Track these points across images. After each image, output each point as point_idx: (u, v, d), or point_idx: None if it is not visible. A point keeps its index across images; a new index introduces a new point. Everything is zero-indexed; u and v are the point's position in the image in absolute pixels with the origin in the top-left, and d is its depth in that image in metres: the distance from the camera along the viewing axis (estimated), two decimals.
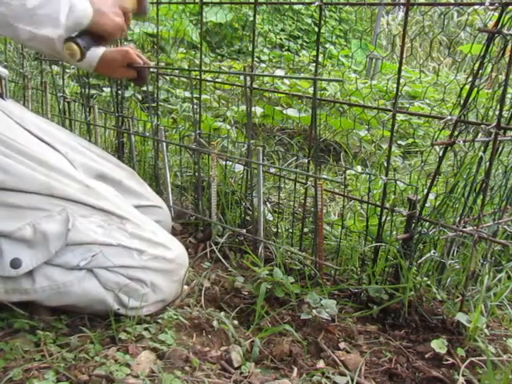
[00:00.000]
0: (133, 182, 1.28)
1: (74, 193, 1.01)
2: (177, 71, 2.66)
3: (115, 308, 1.01)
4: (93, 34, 1.08)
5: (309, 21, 7.18)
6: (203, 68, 1.50)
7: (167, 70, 2.64)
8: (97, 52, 1.37)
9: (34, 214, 0.96)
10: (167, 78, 3.19)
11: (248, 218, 1.48)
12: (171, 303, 1.10)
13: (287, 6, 6.46)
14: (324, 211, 1.16)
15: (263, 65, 4.17)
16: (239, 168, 1.61)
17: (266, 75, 1.96)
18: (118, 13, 1.10)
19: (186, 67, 3.47)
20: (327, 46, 6.57)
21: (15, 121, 1.06)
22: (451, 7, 1.19)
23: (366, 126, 2.56)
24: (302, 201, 1.37)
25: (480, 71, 0.95)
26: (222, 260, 1.35)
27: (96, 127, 1.78)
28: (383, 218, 1.13)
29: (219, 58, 5.25)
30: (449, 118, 0.99)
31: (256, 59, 4.73)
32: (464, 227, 1.03)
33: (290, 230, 1.39)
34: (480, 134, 1.01)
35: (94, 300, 1.00)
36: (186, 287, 1.16)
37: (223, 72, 1.56)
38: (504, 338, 1.00)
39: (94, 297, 0.99)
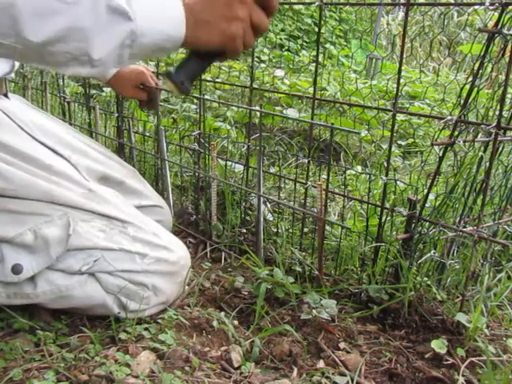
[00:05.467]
0: (134, 181, 1.28)
1: (76, 198, 1.00)
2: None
3: (116, 312, 1.00)
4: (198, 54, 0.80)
5: (309, 21, 7.18)
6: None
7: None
8: None
9: (34, 220, 0.95)
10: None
11: (248, 218, 1.48)
12: (171, 303, 1.10)
13: (287, 6, 6.46)
14: None
15: (263, 65, 4.17)
16: (239, 168, 1.61)
17: (269, 113, 1.91)
18: (233, 15, 0.74)
19: None
20: (327, 46, 6.57)
21: (18, 124, 1.05)
22: (451, 7, 1.19)
23: (366, 126, 2.56)
24: (302, 201, 1.37)
25: (480, 71, 0.95)
26: (223, 260, 1.35)
27: (97, 128, 1.78)
28: (383, 218, 1.13)
29: None
30: (449, 118, 0.99)
31: (256, 59, 4.73)
32: (464, 227, 1.03)
33: (290, 230, 1.39)
34: (480, 134, 1.01)
35: (95, 303, 0.99)
36: (186, 287, 1.16)
37: (225, 103, 1.56)
38: (504, 338, 1.00)
39: (95, 300, 0.99)
